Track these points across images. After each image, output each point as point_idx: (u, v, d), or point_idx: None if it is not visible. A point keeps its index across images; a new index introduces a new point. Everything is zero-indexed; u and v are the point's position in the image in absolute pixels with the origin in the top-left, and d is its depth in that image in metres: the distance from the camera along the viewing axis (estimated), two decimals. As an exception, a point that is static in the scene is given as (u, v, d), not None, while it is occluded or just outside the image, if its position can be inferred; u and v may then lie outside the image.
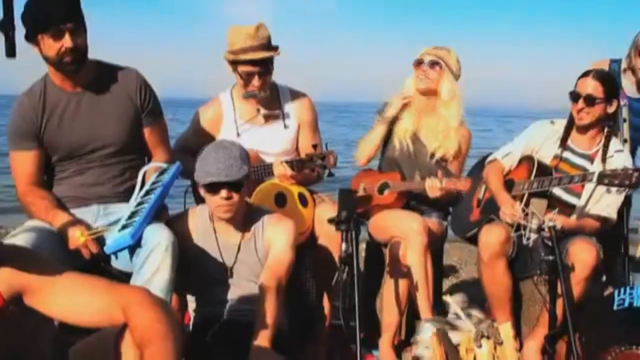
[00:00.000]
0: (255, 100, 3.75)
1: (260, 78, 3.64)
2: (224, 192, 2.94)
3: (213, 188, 2.95)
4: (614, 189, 3.59)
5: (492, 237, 3.54)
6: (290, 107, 3.84)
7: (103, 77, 3.25)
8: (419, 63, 3.95)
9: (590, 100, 3.61)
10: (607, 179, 3.33)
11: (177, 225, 3.17)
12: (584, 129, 3.73)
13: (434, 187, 3.68)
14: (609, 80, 3.71)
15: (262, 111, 3.78)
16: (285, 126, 3.81)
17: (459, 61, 3.98)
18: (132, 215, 3.05)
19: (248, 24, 3.63)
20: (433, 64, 3.91)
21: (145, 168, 3.30)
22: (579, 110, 3.65)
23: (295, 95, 3.88)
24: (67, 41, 3.00)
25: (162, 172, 3.27)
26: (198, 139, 3.69)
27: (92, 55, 3.19)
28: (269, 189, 3.65)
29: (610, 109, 3.68)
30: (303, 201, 3.65)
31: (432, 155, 3.92)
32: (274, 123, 3.82)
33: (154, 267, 2.90)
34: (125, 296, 1.99)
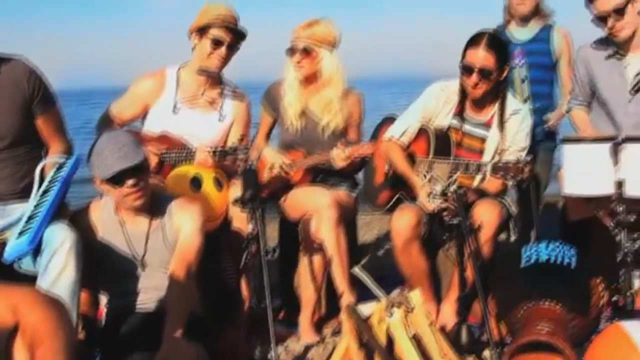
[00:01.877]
0: (203, 80, 3.76)
1: (227, 50, 3.65)
2: (130, 181, 2.88)
3: (117, 180, 2.88)
4: (516, 147, 3.64)
5: (403, 222, 3.52)
6: (229, 102, 3.86)
7: None
8: (292, 51, 3.82)
9: (485, 74, 3.49)
10: (501, 171, 3.34)
11: (81, 220, 3.09)
12: (479, 100, 3.64)
13: (339, 157, 3.67)
14: (500, 46, 3.56)
15: (206, 95, 3.79)
16: (220, 119, 3.82)
17: (334, 28, 3.82)
18: (30, 219, 2.95)
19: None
20: (305, 51, 3.78)
21: (41, 164, 3.19)
22: (474, 84, 3.54)
23: (237, 92, 3.91)
24: None
25: (60, 166, 3.18)
26: (132, 107, 3.76)
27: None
28: (185, 173, 3.61)
29: (503, 75, 3.58)
30: (219, 185, 3.63)
31: (324, 130, 3.89)
32: (211, 112, 3.82)
33: (58, 268, 2.83)
34: (14, 297, 1.94)
